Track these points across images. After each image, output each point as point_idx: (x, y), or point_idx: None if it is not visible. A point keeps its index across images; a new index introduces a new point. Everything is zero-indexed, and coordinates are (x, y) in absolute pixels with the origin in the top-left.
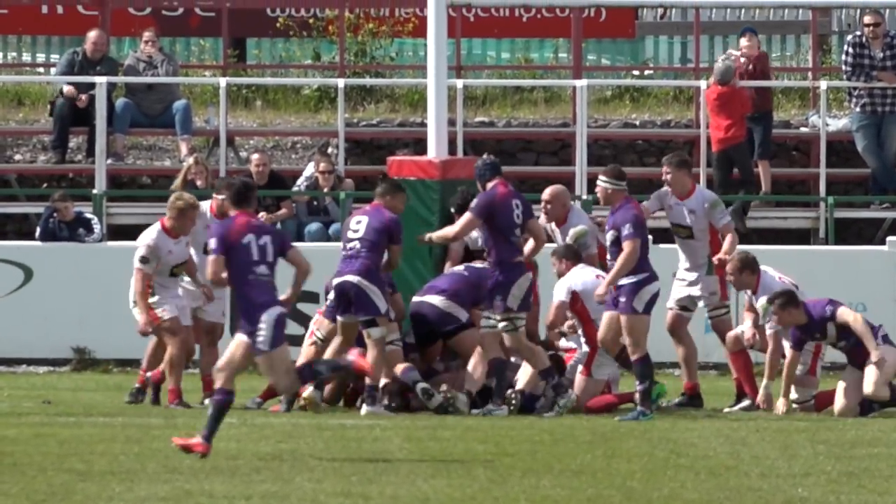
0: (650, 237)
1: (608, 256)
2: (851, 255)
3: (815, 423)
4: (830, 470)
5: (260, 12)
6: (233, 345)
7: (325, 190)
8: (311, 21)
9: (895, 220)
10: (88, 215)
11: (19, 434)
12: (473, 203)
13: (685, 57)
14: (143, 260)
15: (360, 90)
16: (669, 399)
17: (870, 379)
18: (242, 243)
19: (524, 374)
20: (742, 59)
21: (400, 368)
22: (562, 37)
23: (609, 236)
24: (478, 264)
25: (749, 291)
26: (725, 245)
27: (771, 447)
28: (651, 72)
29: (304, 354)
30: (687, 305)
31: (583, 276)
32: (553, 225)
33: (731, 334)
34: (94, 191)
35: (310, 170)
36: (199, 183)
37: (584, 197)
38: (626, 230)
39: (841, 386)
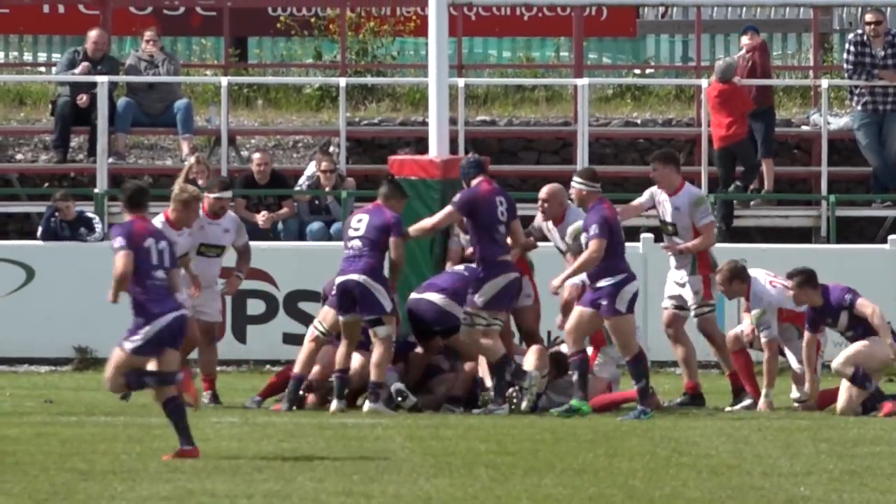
0: (651, 236)
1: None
2: (853, 253)
3: (817, 422)
4: (832, 468)
5: (261, 11)
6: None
7: (327, 189)
8: (312, 20)
9: None
10: (90, 215)
11: (21, 433)
12: (456, 197)
13: (686, 56)
14: None
15: (361, 89)
16: (671, 399)
17: (847, 353)
18: (144, 246)
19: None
20: (745, 55)
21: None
22: (563, 35)
23: (583, 238)
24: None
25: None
26: (695, 241)
27: (773, 446)
28: (652, 70)
29: (303, 353)
30: (682, 304)
31: None
32: (550, 224)
33: (730, 333)
34: (96, 190)
35: (311, 169)
36: (200, 182)
37: None
38: (592, 231)
39: (844, 384)
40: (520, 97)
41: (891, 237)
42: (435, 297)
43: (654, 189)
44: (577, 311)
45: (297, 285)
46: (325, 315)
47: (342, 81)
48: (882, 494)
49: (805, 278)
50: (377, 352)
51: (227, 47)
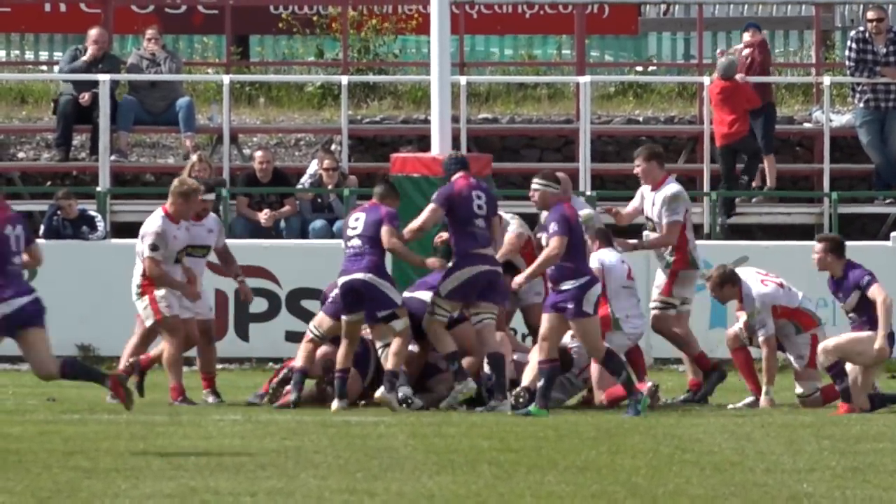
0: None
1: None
2: (855, 250)
3: (819, 419)
4: (835, 465)
5: (263, 9)
6: None
7: (329, 187)
8: (314, 18)
9: None
10: (92, 213)
11: (24, 431)
12: (435, 195)
13: (688, 53)
14: (154, 247)
15: (363, 87)
16: (674, 396)
17: (836, 341)
18: (5, 233)
19: (529, 373)
20: (745, 51)
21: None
22: (565, 33)
23: (543, 237)
24: None
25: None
26: (652, 237)
27: (776, 442)
28: (654, 68)
29: (302, 349)
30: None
31: (609, 256)
32: None
33: (730, 332)
34: (98, 188)
35: (313, 167)
36: None
37: (588, 193)
38: (552, 228)
39: (851, 376)
40: (522, 95)
41: (893, 234)
42: (426, 296)
43: (642, 188)
44: (547, 318)
45: (300, 283)
46: (320, 321)
47: (344, 79)
48: (885, 491)
49: (832, 245)
50: (395, 342)
51: (228, 45)
